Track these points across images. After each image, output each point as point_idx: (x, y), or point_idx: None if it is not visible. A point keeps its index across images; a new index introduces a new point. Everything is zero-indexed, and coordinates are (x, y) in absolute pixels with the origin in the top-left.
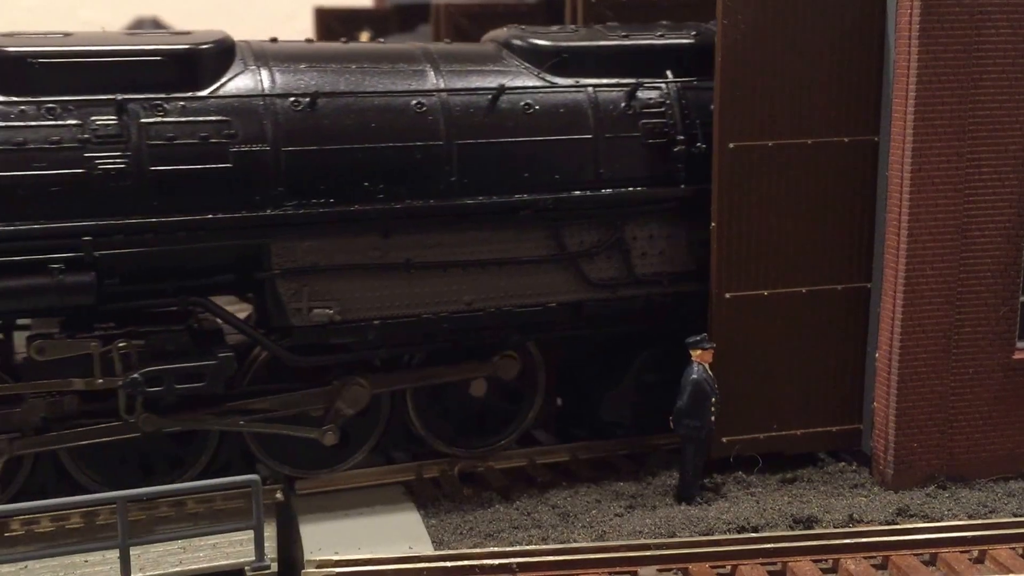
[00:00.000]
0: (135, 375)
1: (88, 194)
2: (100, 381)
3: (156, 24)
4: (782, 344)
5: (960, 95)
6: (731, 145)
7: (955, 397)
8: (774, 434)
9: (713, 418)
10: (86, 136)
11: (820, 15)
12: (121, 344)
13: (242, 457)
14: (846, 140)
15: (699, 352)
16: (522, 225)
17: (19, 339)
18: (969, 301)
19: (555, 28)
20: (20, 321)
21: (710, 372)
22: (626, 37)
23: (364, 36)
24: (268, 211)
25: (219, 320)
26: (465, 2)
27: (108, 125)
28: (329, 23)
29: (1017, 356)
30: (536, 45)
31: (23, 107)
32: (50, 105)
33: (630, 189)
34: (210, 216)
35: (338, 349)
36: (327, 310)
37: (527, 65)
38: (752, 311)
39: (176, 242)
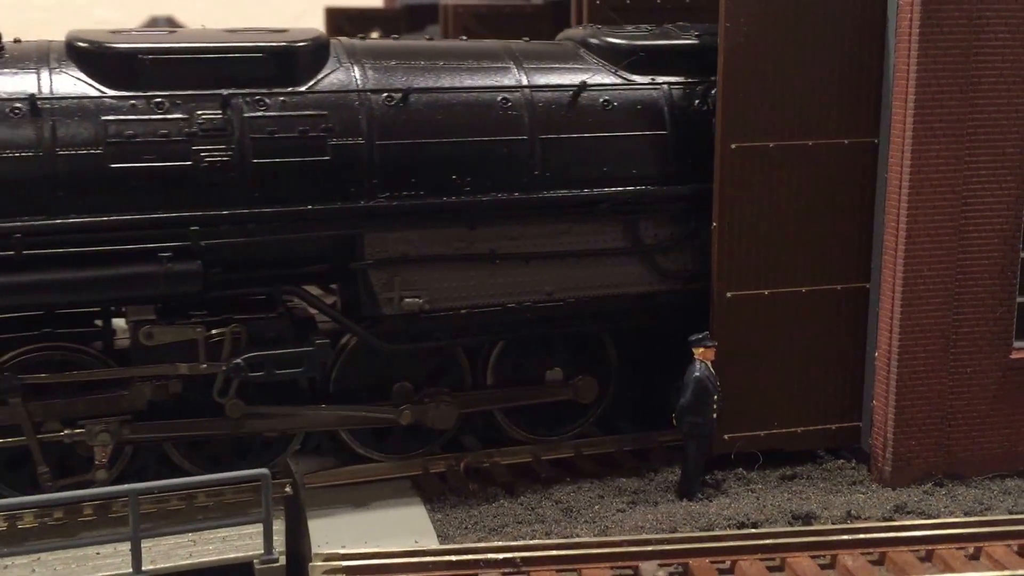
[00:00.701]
0: (238, 360)
1: (194, 185)
2: (204, 366)
3: (171, 23)
4: (783, 343)
5: (959, 98)
6: (733, 146)
7: (953, 396)
8: (774, 431)
9: (715, 415)
10: (192, 130)
11: (821, 19)
12: (235, 328)
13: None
14: (846, 142)
15: (701, 350)
16: (601, 218)
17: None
18: (967, 302)
19: (629, 27)
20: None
21: (712, 370)
22: (698, 37)
23: (374, 35)
24: (363, 202)
25: (311, 308)
26: (473, 3)
27: (213, 119)
28: (339, 23)
29: (1014, 356)
30: (613, 44)
31: (133, 101)
32: (158, 100)
33: (703, 184)
34: (309, 207)
35: (425, 338)
36: (417, 299)
37: (604, 63)
38: (753, 310)
39: (276, 232)
